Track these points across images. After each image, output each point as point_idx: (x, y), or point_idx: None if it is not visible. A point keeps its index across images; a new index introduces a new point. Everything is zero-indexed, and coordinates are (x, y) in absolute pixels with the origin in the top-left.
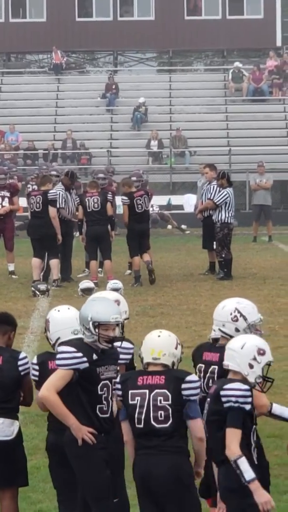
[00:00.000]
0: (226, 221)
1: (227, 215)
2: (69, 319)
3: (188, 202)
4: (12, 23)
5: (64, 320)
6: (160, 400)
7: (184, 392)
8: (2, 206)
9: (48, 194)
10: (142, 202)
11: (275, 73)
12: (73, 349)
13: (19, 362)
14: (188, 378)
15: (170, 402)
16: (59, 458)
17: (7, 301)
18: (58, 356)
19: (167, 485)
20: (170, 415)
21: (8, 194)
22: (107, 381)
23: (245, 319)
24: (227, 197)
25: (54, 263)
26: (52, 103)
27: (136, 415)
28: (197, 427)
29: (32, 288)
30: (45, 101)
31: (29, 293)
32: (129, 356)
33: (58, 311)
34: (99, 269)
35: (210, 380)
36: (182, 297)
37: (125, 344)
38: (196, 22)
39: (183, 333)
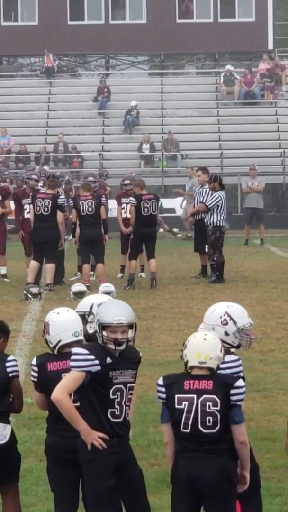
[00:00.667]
0: (218, 224)
1: (219, 218)
2: (69, 321)
3: (180, 205)
4: (4, 26)
5: (64, 322)
6: (209, 406)
7: (233, 398)
8: None
9: (58, 199)
10: (149, 206)
11: (267, 76)
12: (85, 351)
13: (7, 364)
14: (237, 383)
15: (219, 408)
16: (57, 460)
17: None
18: (72, 357)
19: (216, 487)
20: (218, 421)
21: None
22: (121, 386)
23: (234, 322)
24: (219, 200)
25: (50, 267)
26: (44, 106)
27: (183, 420)
28: (240, 431)
29: (24, 292)
30: (37, 105)
31: (21, 296)
32: None
33: (58, 313)
34: (91, 273)
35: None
36: (174, 300)
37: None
38: (188, 25)
39: (175, 336)
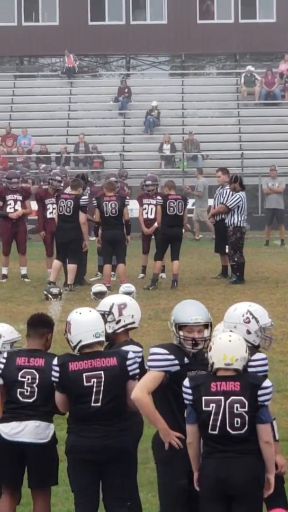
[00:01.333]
0: (238, 225)
1: (239, 219)
2: (91, 322)
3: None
4: (25, 27)
5: (85, 322)
6: (237, 407)
7: (260, 398)
8: (15, 210)
9: (80, 200)
10: (175, 206)
11: None
12: (165, 351)
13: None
14: (264, 384)
15: (246, 409)
16: (79, 461)
17: (19, 305)
18: (150, 357)
19: (246, 488)
20: (246, 422)
21: (20, 198)
22: None
23: (257, 321)
24: (240, 201)
25: (72, 268)
26: (65, 107)
27: (210, 422)
28: (266, 431)
29: (45, 292)
30: (58, 105)
31: (41, 296)
32: (139, 360)
33: (80, 313)
34: (112, 273)
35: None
36: None
37: (134, 347)
38: (209, 25)
39: None
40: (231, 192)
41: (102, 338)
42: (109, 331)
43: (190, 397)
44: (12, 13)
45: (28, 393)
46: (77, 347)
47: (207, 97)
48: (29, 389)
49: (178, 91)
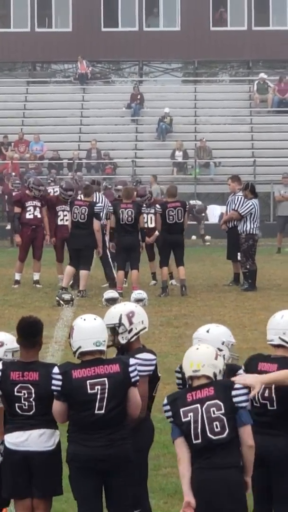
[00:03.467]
0: (251, 232)
1: (252, 226)
2: (93, 330)
3: (213, 213)
4: (38, 33)
5: (87, 330)
6: (213, 411)
7: (235, 399)
8: (34, 216)
9: (95, 207)
10: (175, 214)
11: None
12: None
13: (53, 377)
14: (236, 385)
15: (223, 411)
16: (81, 469)
17: (31, 310)
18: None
19: (230, 503)
20: (226, 425)
21: (39, 204)
22: None
23: None
24: (252, 208)
25: (84, 274)
26: (77, 113)
27: (192, 431)
28: (247, 433)
29: (57, 298)
30: (70, 111)
31: (53, 302)
32: (152, 367)
33: (84, 320)
34: (124, 279)
35: (267, 390)
36: (207, 308)
37: (147, 355)
38: (222, 33)
39: None
40: (243, 199)
41: (103, 348)
42: (123, 341)
43: (169, 413)
44: (26, 19)
45: (26, 407)
46: (77, 353)
47: (219, 104)
48: (26, 403)
49: (191, 98)
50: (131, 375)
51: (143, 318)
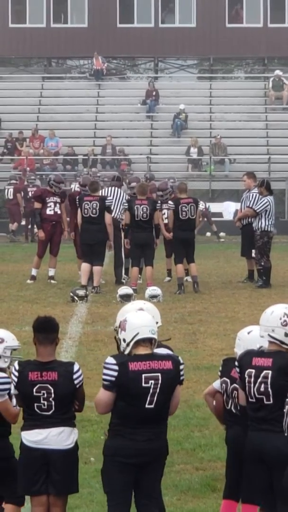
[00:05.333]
0: (266, 229)
1: (267, 223)
2: (147, 318)
3: (227, 209)
4: (54, 28)
5: (142, 319)
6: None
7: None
8: (55, 212)
9: (106, 201)
10: (187, 210)
11: None
12: None
13: (74, 376)
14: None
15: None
16: (122, 463)
17: (45, 306)
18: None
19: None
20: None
21: (59, 200)
22: None
23: None
24: (268, 205)
25: (98, 270)
26: (93, 109)
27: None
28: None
29: (71, 294)
30: (86, 107)
31: (67, 298)
32: None
33: (136, 311)
34: (138, 276)
35: (262, 385)
36: (221, 305)
37: (164, 350)
38: (237, 29)
39: (221, 340)
40: (258, 196)
41: (156, 336)
42: (153, 333)
43: None
44: (41, 14)
45: (45, 407)
46: (131, 343)
47: (235, 101)
48: (46, 403)
49: (206, 95)
50: (181, 373)
51: (154, 314)
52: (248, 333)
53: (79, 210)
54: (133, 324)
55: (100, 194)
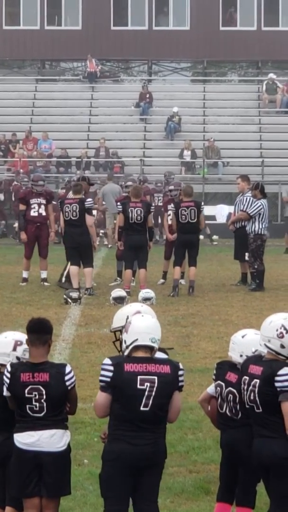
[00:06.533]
0: (259, 232)
1: (260, 227)
2: (151, 326)
3: (220, 212)
4: (47, 31)
5: (146, 325)
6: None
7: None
8: (39, 214)
9: (85, 203)
10: (187, 213)
11: None
12: None
13: (66, 377)
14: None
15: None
16: (123, 468)
17: (38, 308)
18: None
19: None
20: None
21: (44, 202)
22: None
23: None
24: (261, 209)
25: (88, 271)
26: (86, 111)
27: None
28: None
29: (64, 296)
30: (79, 109)
31: (60, 300)
32: None
33: (142, 316)
34: (131, 278)
35: (252, 393)
36: (214, 308)
37: (159, 354)
38: (231, 33)
39: (214, 343)
40: (252, 200)
41: (156, 346)
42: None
43: None
44: (35, 17)
45: (37, 408)
46: (130, 346)
47: (228, 104)
48: (37, 404)
49: (200, 98)
50: (180, 379)
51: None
52: (243, 336)
53: (61, 213)
54: (136, 328)
55: (82, 196)
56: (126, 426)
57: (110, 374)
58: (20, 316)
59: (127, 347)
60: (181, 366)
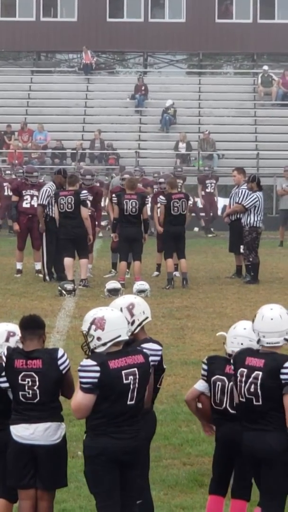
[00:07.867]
0: (254, 225)
1: (256, 219)
2: (123, 319)
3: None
4: (43, 22)
5: (120, 319)
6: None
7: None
8: (31, 205)
9: (80, 195)
10: (179, 205)
11: None
12: None
13: (59, 362)
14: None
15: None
16: (109, 462)
17: (33, 300)
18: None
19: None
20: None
21: (37, 193)
22: None
23: None
24: (257, 201)
25: (84, 262)
26: (81, 103)
27: None
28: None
29: (59, 288)
30: (74, 101)
31: (55, 292)
32: (158, 358)
33: (111, 310)
34: (126, 270)
35: (252, 385)
36: (209, 300)
37: (154, 345)
38: (227, 25)
39: (208, 335)
40: (247, 192)
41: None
42: (128, 334)
43: None
44: (31, 8)
45: (30, 395)
46: (110, 343)
47: (223, 97)
48: (30, 391)
49: (195, 90)
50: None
51: (144, 309)
52: (244, 329)
53: (55, 205)
54: (114, 324)
55: (77, 187)
56: (112, 421)
57: (97, 374)
58: (15, 307)
59: (104, 344)
60: (149, 353)
